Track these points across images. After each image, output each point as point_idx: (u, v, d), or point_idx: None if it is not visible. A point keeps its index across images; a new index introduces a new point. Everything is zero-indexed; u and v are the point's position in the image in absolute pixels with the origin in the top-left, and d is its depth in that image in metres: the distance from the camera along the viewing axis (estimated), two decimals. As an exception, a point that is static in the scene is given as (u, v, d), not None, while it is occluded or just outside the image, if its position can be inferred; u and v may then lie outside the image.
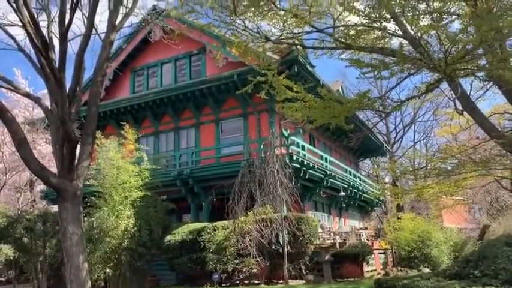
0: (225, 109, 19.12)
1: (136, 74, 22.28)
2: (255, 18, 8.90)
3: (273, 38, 9.79)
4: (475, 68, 5.86)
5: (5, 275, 20.89)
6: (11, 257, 14.83)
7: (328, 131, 22.49)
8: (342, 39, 8.76)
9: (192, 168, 17.91)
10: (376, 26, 6.69)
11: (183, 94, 18.84)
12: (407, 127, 38.89)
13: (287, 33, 9.82)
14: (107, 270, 14.37)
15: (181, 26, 18.17)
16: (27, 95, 10.36)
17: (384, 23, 6.43)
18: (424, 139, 39.31)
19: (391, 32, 6.76)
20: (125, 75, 22.19)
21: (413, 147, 38.58)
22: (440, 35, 5.43)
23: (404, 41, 6.72)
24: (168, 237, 15.30)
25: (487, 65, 5.86)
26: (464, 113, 9.91)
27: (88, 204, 15.23)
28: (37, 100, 10.30)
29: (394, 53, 7.38)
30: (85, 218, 15.12)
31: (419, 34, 5.71)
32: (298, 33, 9.82)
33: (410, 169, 24.08)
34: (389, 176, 34.79)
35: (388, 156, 34.39)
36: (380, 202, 29.89)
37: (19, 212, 13.99)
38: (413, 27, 5.70)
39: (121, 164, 15.82)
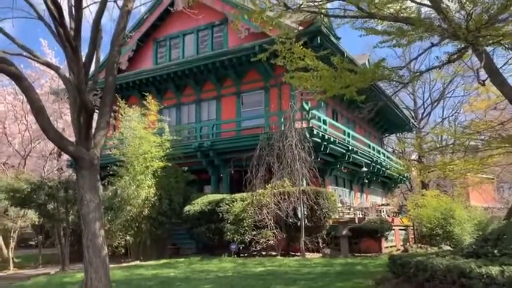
0: (246, 81, 18.92)
1: (159, 45, 22.21)
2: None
3: (294, 8, 9.47)
4: (500, 35, 5.45)
5: (35, 239, 21.79)
6: (36, 222, 15.40)
7: (353, 105, 22.03)
8: (366, 8, 8.39)
9: (213, 140, 17.94)
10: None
11: (204, 66, 18.70)
12: (436, 103, 37.75)
13: (307, 1, 9.48)
14: (128, 237, 14.77)
15: (203, -5, 17.94)
16: (46, 64, 10.39)
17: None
18: (452, 115, 38.13)
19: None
20: (148, 46, 22.18)
21: (441, 123, 37.50)
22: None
23: (425, 10, 6.32)
24: (188, 207, 15.53)
25: (513, 32, 5.45)
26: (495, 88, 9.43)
27: (110, 173, 15.57)
28: (56, 69, 10.32)
29: (417, 22, 7.00)
30: (109, 187, 15.52)
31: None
32: (320, 1, 9.46)
33: (437, 146, 23.47)
34: (415, 152, 34.03)
35: (414, 132, 33.56)
36: (404, 179, 29.36)
37: (42, 179, 14.40)
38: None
39: (143, 134, 16.03)
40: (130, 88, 21.04)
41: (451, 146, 22.38)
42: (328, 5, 10.09)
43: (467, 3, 5.01)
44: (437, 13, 6.39)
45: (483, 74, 7.80)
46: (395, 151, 37.56)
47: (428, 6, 7.47)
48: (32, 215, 14.79)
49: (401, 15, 7.96)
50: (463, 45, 5.87)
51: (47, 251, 18.05)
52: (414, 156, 35.47)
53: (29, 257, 18.73)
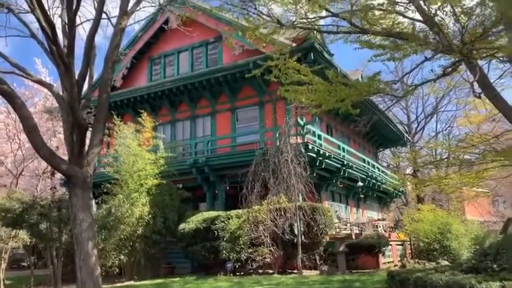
0: (240, 97, 18.93)
1: (154, 63, 22.26)
2: (267, 0, 8.63)
3: (287, 25, 9.52)
4: (495, 48, 5.45)
5: (27, 260, 21.37)
6: (28, 243, 15.11)
7: (347, 120, 22.09)
8: (359, 24, 8.44)
9: (208, 156, 17.84)
10: (391, 9, 6.31)
11: (199, 82, 18.72)
12: (429, 117, 37.98)
13: (301, 18, 9.54)
14: (122, 257, 14.51)
15: (197, 14, 18.08)
16: (39, 82, 10.39)
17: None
18: (446, 129, 38.33)
19: (403, 13, 6.37)
20: (142, 64, 22.22)
21: (435, 137, 37.65)
22: (456, 10, 5.06)
23: (419, 24, 6.35)
24: (182, 226, 15.32)
25: (508, 45, 5.46)
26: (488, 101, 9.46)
27: (104, 191, 15.38)
28: (49, 87, 10.31)
29: (411, 37, 7.03)
30: (102, 205, 15.31)
31: (433, 10, 5.35)
32: (313, 17, 9.52)
33: (432, 160, 23.48)
34: (410, 167, 34.06)
35: (408, 146, 33.65)
36: (400, 193, 29.31)
37: (34, 198, 14.16)
38: (427, 2, 5.32)
39: (138, 151, 15.89)
40: (125, 106, 20.97)
41: (446, 160, 22.43)
42: (322, 22, 10.19)
43: (462, 16, 5.03)
44: (430, 28, 6.43)
45: (478, 87, 7.83)
46: (390, 165, 37.59)
47: (420, 21, 7.52)
48: (24, 236, 14.51)
49: (395, 30, 8.01)
50: (457, 59, 5.90)
51: (39, 272, 17.64)
52: (409, 171, 35.48)
53: (20, 278, 18.29)
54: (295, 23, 9.51)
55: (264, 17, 9.36)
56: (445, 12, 5.20)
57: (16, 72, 9.99)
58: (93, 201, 9.97)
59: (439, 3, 5.06)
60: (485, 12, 4.94)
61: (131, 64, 21.74)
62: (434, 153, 32.85)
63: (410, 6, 6.16)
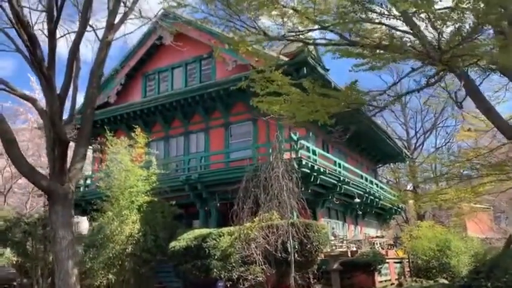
0: (234, 113, 18.76)
1: (148, 79, 22.18)
2: (252, 13, 8.51)
3: (274, 37, 9.39)
4: (477, 56, 5.24)
5: (18, 281, 20.92)
6: (14, 262, 14.77)
7: (344, 136, 21.82)
8: (348, 37, 8.31)
9: (200, 173, 17.57)
10: (364, 17, 6.12)
11: (192, 98, 18.59)
12: (428, 133, 37.81)
13: (289, 31, 9.42)
14: (110, 276, 14.12)
15: (190, 30, 18.10)
16: (23, 96, 10.21)
17: (369, 5, 5.85)
18: (445, 144, 38.13)
19: (387, 24, 6.21)
20: (137, 80, 22.15)
21: (435, 153, 37.40)
22: (431, 17, 4.86)
23: (399, 33, 6.16)
24: (173, 243, 14.93)
25: (489, 52, 5.26)
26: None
27: (94, 207, 15.10)
28: (33, 101, 10.15)
29: (400, 50, 6.84)
30: (92, 222, 15.00)
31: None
32: (302, 30, 9.40)
33: (431, 175, 23.17)
34: (411, 183, 33.67)
35: (407, 162, 33.35)
36: (399, 210, 28.86)
37: (19, 215, 13.84)
38: (399, 5, 5.12)
39: (130, 167, 15.62)
40: (118, 122, 20.82)
41: (445, 175, 22.07)
42: (313, 35, 10.05)
43: (438, 22, 4.84)
44: (416, 37, 6.25)
45: (461, 98, 7.62)
46: (390, 182, 37.25)
47: (409, 33, 7.36)
48: (9, 254, 14.17)
49: (383, 43, 7.85)
50: (440, 68, 5.69)
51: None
52: (409, 187, 35.09)
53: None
54: (284, 35, 9.39)
55: (251, 29, 9.24)
56: (420, 19, 5.01)
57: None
58: (75, 218, 9.70)
59: (407, 6, 4.86)
60: (462, 17, 4.73)
61: (125, 80, 21.70)
62: (433, 169, 32.48)
63: (384, 13, 5.98)
